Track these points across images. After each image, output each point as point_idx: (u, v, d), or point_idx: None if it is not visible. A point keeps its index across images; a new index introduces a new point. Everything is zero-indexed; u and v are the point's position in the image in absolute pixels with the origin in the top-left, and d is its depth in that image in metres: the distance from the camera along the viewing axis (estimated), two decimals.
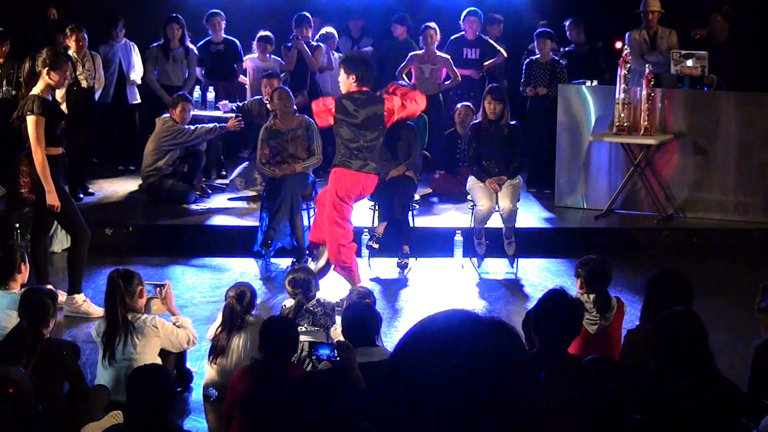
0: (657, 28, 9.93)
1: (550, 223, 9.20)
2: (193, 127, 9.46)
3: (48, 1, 10.94)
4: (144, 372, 4.16)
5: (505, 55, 10.78)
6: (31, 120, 6.56)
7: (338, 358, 4.53)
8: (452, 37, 10.73)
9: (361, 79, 7.01)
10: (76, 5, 11.07)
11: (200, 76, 10.87)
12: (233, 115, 9.70)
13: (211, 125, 9.54)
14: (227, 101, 10.22)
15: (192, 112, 9.68)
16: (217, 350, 5.56)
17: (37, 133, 6.57)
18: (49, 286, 6.47)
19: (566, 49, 10.65)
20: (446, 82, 10.50)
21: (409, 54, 10.50)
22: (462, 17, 10.67)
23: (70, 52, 9.28)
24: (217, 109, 10.23)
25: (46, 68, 6.62)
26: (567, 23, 10.65)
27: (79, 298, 6.97)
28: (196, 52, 10.67)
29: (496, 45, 10.78)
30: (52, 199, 6.66)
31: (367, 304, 5.44)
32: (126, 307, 5.40)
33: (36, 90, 6.64)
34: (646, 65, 9.31)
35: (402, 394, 1.43)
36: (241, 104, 9.96)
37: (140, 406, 3.99)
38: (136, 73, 10.67)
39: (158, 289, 5.84)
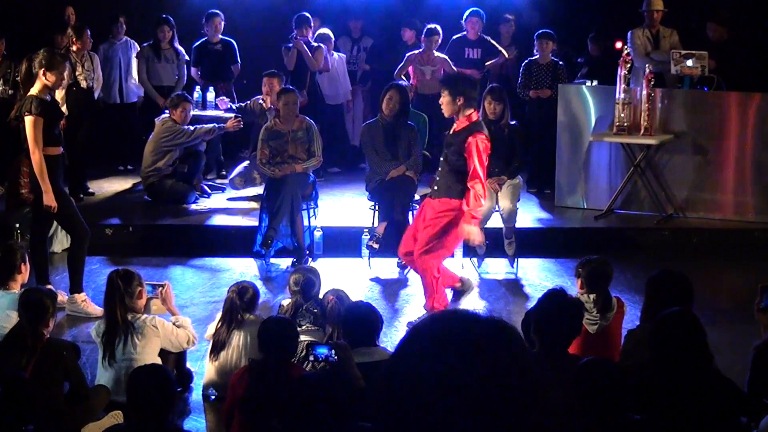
0: (659, 27, 9.93)
1: (550, 223, 9.20)
2: (192, 128, 9.46)
3: (62, 1, 10.92)
4: (144, 372, 4.15)
5: (507, 55, 10.77)
6: (28, 120, 6.56)
7: (336, 358, 4.52)
8: (454, 37, 10.73)
9: (469, 99, 6.60)
10: (79, 4, 11.06)
11: (197, 77, 10.86)
12: (232, 115, 9.70)
13: (210, 126, 9.54)
14: (225, 97, 10.24)
15: (192, 113, 9.68)
16: (217, 346, 5.55)
17: (35, 133, 6.57)
18: (49, 287, 6.49)
19: (581, 60, 10.74)
20: None
21: (407, 54, 10.50)
22: (464, 17, 10.67)
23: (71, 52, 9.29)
24: (217, 108, 10.24)
25: (43, 69, 6.62)
26: (589, 37, 10.86)
27: (80, 297, 6.97)
28: (184, 54, 10.68)
29: (497, 45, 10.78)
30: (49, 199, 6.65)
31: (368, 304, 5.43)
32: (125, 308, 5.39)
33: (33, 90, 6.64)
34: (647, 65, 9.31)
35: (402, 393, 1.43)
36: (242, 104, 9.95)
37: (140, 406, 3.99)
38: (136, 72, 10.70)
39: (158, 289, 5.83)
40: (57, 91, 8.26)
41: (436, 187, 6.75)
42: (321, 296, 5.80)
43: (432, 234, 6.63)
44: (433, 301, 6.71)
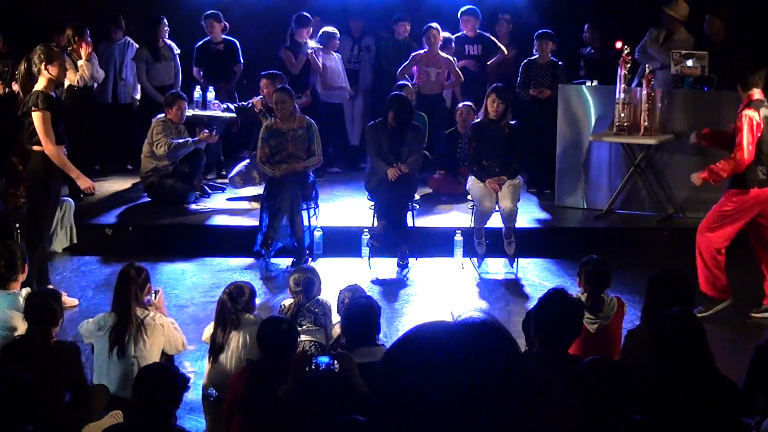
0: (679, 30, 9.82)
1: (550, 223, 9.20)
2: (175, 141, 9.33)
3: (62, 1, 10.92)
4: (153, 371, 4.15)
5: (506, 52, 10.79)
6: (36, 116, 6.59)
7: (337, 368, 4.44)
8: (454, 36, 10.76)
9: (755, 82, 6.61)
10: (78, 4, 11.05)
11: (198, 77, 10.85)
12: (231, 114, 9.68)
13: (185, 140, 9.44)
14: (218, 102, 10.25)
15: (188, 112, 9.67)
16: (216, 348, 5.56)
17: (45, 127, 6.59)
18: (50, 286, 6.49)
19: (585, 51, 10.71)
20: (448, 82, 10.52)
21: (411, 54, 10.49)
22: (459, 16, 10.72)
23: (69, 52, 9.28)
24: (218, 108, 10.25)
25: (44, 63, 6.64)
26: (585, 27, 10.75)
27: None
28: (174, 48, 10.64)
29: (496, 41, 10.81)
30: (84, 182, 6.73)
31: (368, 303, 5.40)
32: (138, 303, 5.40)
33: (39, 86, 6.67)
34: (647, 64, 9.32)
35: (394, 397, 1.43)
36: (242, 104, 9.93)
37: (147, 405, 3.98)
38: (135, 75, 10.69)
39: (152, 293, 5.83)
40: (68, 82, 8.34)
41: None
42: (337, 294, 5.79)
43: (718, 213, 6.84)
44: (706, 282, 6.85)
